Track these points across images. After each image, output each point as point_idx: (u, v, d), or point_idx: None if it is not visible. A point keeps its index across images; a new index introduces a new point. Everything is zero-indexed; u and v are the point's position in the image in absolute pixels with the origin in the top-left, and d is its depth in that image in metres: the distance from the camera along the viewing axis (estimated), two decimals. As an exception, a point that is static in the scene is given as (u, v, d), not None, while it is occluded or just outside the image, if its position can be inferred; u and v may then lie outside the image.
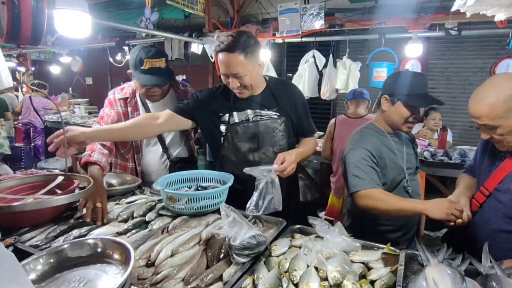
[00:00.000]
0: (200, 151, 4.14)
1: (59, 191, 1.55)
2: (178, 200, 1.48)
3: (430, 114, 3.89)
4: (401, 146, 1.70)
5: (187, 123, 1.77)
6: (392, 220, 1.66)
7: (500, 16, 1.84)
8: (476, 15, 1.84)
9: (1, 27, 1.21)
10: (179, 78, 5.39)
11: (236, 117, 1.74)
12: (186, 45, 5.08)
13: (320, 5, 3.99)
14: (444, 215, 1.28)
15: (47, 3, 1.23)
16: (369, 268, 1.12)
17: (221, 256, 1.17)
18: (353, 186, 1.52)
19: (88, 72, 8.21)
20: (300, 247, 1.20)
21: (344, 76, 4.19)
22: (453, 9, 1.82)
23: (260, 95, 1.75)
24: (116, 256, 1.06)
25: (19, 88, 7.16)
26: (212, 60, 4.88)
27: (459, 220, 1.30)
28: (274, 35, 4.41)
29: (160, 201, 1.63)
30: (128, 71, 1.93)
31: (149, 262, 1.16)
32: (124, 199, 1.69)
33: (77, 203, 1.61)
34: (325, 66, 4.34)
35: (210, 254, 1.18)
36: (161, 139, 2.05)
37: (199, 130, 2.01)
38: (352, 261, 1.13)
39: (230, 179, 1.62)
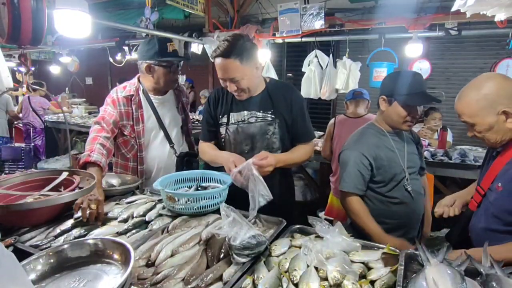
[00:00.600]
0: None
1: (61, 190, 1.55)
2: (178, 200, 1.48)
3: (430, 114, 3.89)
4: (402, 145, 1.71)
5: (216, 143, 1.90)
6: (390, 218, 1.67)
7: (500, 16, 1.84)
8: (476, 15, 1.84)
9: (2, 27, 1.21)
10: (181, 78, 5.39)
11: (233, 118, 1.77)
12: (186, 45, 5.08)
13: (320, 5, 3.98)
14: None
15: (47, 3, 1.23)
16: (369, 268, 1.12)
17: (221, 256, 1.17)
18: (340, 185, 1.69)
19: (88, 72, 8.22)
20: (300, 247, 1.20)
21: (344, 76, 4.18)
22: (453, 9, 1.82)
23: (257, 96, 1.76)
24: (116, 256, 1.06)
25: (19, 89, 7.16)
26: (212, 60, 4.88)
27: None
28: (274, 35, 4.41)
29: (160, 201, 1.63)
30: (145, 65, 1.93)
31: (149, 262, 1.16)
32: (124, 199, 1.69)
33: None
34: (326, 65, 4.34)
35: (210, 254, 1.18)
36: (167, 135, 2.06)
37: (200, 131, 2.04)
38: (352, 261, 1.13)
39: (230, 179, 1.62)
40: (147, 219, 1.46)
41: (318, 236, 1.26)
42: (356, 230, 1.72)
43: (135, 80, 2.03)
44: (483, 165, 1.48)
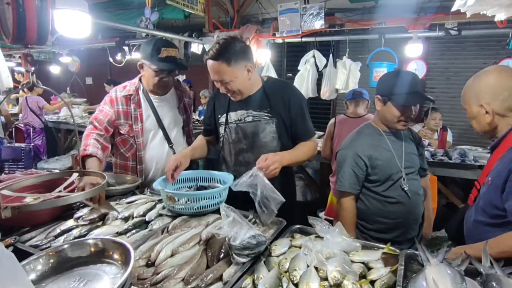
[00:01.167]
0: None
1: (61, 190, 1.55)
2: (178, 200, 1.48)
3: (430, 114, 3.89)
4: (399, 145, 1.72)
5: (214, 138, 1.98)
6: (387, 218, 1.68)
7: (500, 16, 1.84)
8: (476, 15, 1.84)
9: (7, 27, 1.20)
10: (180, 78, 5.39)
11: (231, 117, 1.79)
12: (186, 45, 5.08)
13: (320, 5, 3.98)
14: None
15: (50, 2, 1.23)
16: (369, 268, 1.12)
17: (221, 256, 1.17)
18: (336, 184, 1.73)
19: (88, 72, 8.22)
20: (300, 247, 1.20)
21: (344, 76, 4.19)
22: (453, 9, 1.82)
23: (254, 95, 1.76)
24: (116, 256, 1.06)
25: (19, 89, 7.16)
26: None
27: None
28: (274, 35, 4.41)
29: (160, 201, 1.63)
30: (139, 63, 1.96)
31: (149, 262, 1.16)
32: (124, 199, 1.69)
33: (77, 203, 1.62)
34: (325, 66, 4.34)
35: (210, 254, 1.18)
36: (166, 135, 2.06)
37: (200, 131, 2.06)
38: (352, 261, 1.13)
39: (230, 179, 1.62)
40: (147, 219, 1.46)
41: (318, 236, 1.26)
42: (358, 229, 1.73)
43: (136, 79, 2.04)
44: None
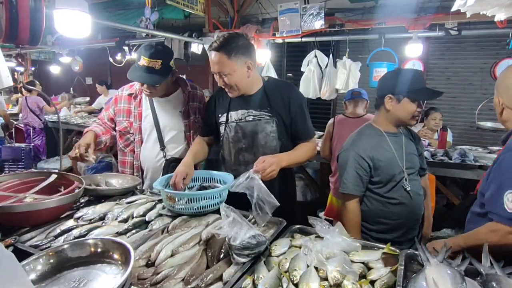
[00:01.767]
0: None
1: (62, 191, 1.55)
2: (178, 200, 1.48)
3: (430, 114, 3.89)
4: (400, 145, 1.71)
5: (212, 139, 1.97)
6: (389, 219, 1.68)
7: (500, 16, 1.83)
8: (476, 15, 1.84)
9: (0, 27, 1.21)
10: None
11: (231, 116, 1.79)
12: (186, 45, 5.07)
13: (320, 5, 3.98)
14: None
15: (46, 3, 1.23)
16: (369, 268, 1.12)
17: (221, 256, 1.17)
18: (340, 187, 1.71)
19: (88, 72, 8.20)
20: (300, 247, 1.20)
21: (344, 76, 4.18)
22: (453, 9, 1.82)
23: (254, 95, 1.76)
24: (116, 256, 1.06)
25: (18, 89, 7.16)
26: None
27: None
28: (274, 35, 4.41)
29: (160, 201, 1.63)
30: None
31: (149, 262, 1.16)
32: (124, 199, 1.69)
33: (78, 204, 1.63)
34: (325, 66, 4.34)
35: (210, 254, 1.18)
36: (160, 137, 2.04)
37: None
38: (352, 261, 1.13)
39: (230, 179, 1.62)
40: (147, 219, 1.46)
41: (318, 236, 1.26)
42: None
43: None
44: None
